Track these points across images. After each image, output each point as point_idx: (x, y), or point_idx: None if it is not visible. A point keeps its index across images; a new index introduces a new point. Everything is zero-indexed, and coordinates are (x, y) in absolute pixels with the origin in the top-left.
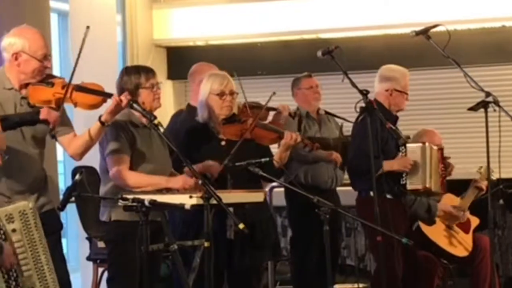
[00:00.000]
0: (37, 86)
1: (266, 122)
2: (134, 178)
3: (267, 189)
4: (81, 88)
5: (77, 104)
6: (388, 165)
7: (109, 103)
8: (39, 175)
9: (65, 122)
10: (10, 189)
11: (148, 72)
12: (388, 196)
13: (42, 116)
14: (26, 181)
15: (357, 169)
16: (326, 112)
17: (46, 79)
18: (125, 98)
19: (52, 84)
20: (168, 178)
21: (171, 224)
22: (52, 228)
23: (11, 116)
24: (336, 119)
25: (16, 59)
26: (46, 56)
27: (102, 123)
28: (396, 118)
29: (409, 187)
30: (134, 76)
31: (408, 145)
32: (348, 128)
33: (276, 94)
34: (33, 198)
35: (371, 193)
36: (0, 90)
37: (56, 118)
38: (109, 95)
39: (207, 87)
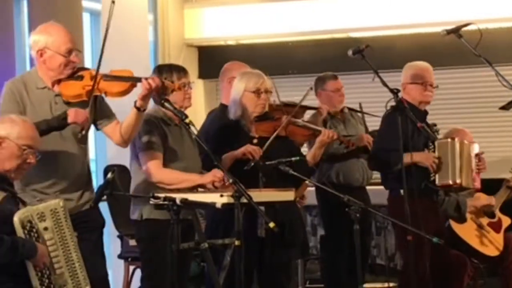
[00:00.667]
0: (67, 82)
1: (301, 120)
2: (167, 175)
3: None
4: (108, 77)
5: (107, 94)
6: (408, 157)
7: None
8: (82, 171)
9: (106, 113)
10: (51, 187)
11: (180, 71)
12: (419, 194)
13: (70, 120)
14: (69, 179)
15: (377, 165)
16: (349, 109)
17: (76, 73)
18: (153, 81)
19: (81, 77)
20: (201, 175)
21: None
22: (95, 224)
23: (40, 124)
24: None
25: (41, 55)
26: (71, 51)
27: (138, 109)
28: (425, 113)
29: (438, 182)
30: (166, 74)
31: (436, 141)
32: (370, 123)
33: (312, 89)
34: (77, 195)
35: (402, 192)
36: (32, 90)
37: (84, 118)
38: (138, 79)
39: (241, 85)
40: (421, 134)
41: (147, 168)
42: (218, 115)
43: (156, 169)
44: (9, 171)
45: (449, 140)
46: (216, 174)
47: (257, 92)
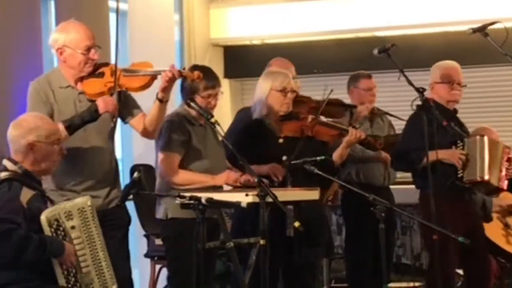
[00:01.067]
0: (89, 80)
1: (328, 119)
2: (180, 176)
3: None
4: (128, 71)
5: (128, 89)
6: (433, 155)
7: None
8: (109, 168)
9: (131, 106)
10: (79, 184)
11: (210, 80)
12: (447, 193)
13: (101, 110)
14: (96, 175)
15: (400, 165)
16: (379, 110)
17: (97, 69)
18: (171, 73)
19: (102, 74)
20: (214, 176)
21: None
22: (121, 222)
23: (74, 120)
24: (388, 117)
25: (61, 54)
26: (90, 48)
27: (160, 100)
28: (455, 112)
29: (466, 179)
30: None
31: (465, 138)
32: (399, 127)
33: (333, 91)
34: (104, 192)
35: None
36: (56, 90)
37: (114, 105)
38: (157, 72)
39: (267, 84)
40: (446, 132)
41: (161, 168)
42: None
43: (168, 170)
44: (46, 170)
45: (478, 137)
46: (230, 177)
47: (284, 91)
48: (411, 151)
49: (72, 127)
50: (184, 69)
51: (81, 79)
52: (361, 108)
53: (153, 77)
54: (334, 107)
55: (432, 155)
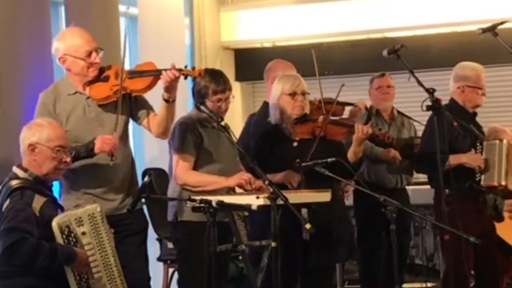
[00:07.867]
0: (95, 84)
1: (338, 118)
2: (194, 177)
3: None
4: (132, 73)
5: (132, 91)
6: (455, 159)
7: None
8: (126, 174)
9: (142, 106)
10: (96, 188)
11: (220, 84)
12: (463, 195)
13: (96, 150)
14: (113, 180)
15: (423, 166)
16: (399, 112)
17: (102, 73)
18: (171, 73)
19: (108, 78)
20: (227, 177)
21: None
22: (137, 228)
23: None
24: (413, 122)
25: (63, 62)
26: (91, 53)
27: (166, 100)
28: (474, 114)
29: (483, 183)
30: (206, 83)
31: (484, 142)
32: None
33: (345, 85)
34: (120, 196)
35: (447, 191)
36: (64, 98)
37: (110, 146)
38: (159, 72)
39: (278, 88)
40: (467, 134)
41: (174, 171)
42: (262, 114)
43: (182, 172)
44: (47, 174)
45: (497, 141)
46: (242, 176)
47: (293, 95)
48: (435, 154)
49: None
50: (186, 67)
51: (89, 83)
52: (359, 105)
53: (156, 77)
54: (332, 105)
55: (456, 159)
